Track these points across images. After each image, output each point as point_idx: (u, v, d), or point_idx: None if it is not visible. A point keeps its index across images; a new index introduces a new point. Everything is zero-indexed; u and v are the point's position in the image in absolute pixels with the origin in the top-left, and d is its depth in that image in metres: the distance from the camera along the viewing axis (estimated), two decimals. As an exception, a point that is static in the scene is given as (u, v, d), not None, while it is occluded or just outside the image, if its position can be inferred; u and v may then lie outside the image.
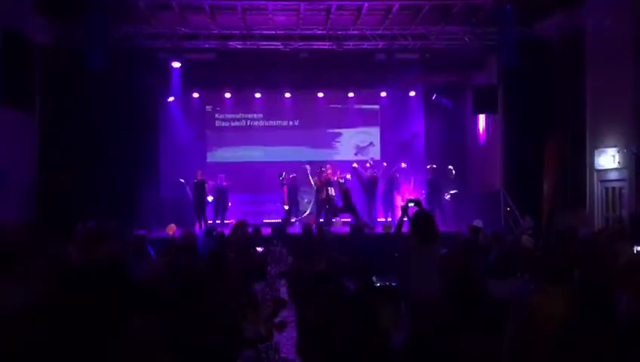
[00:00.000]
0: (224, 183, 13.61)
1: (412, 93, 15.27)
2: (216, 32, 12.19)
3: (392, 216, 13.82)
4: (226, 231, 9.34)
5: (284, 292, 5.61)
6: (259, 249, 7.34)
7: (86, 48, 10.45)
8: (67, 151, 10.94)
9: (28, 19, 10.03)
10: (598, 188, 10.67)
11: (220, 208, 13.58)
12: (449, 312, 3.75)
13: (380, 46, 12.59)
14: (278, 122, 15.92)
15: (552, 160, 11.72)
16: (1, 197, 9.37)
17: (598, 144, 10.62)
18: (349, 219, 13.06)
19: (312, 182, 13.30)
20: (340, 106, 15.91)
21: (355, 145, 16.16)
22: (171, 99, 14.06)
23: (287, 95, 15.46)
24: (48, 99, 10.77)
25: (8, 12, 9.44)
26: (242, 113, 15.87)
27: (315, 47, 12.54)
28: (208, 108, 15.78)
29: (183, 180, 13.44)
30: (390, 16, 11.74)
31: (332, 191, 12.98)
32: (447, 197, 13.62)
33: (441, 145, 15.10)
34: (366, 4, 11.17)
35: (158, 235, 11.42)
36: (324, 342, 3.57)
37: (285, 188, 13.37)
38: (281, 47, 12.45)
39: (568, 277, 4.26)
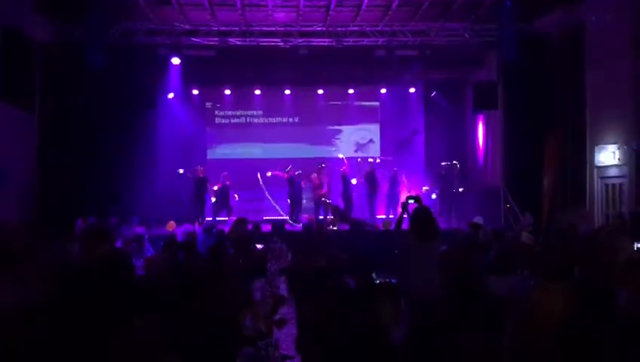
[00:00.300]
0: (227, 182, 13.60)
1: (412, 90, 15.24)
2: (215, 28, 12.17)
3: (394, 213, 13.83)
4: (226, 229, 9.34)
5: (283, 289, 5.61)
6: (258, 246, 7.34)
7: (86, 47, 10.43)
8: (67, 149, 10.94)
9: (28, 17, 10.02)
10: (598, 185, 10.67)
11: (224, 205, 13.55)
12: (449, 309, 3.75)
13: (379, 42, 12.56)
14: (278, 119, 15.89)
15: (552, 156, 11.72)
16: (1, 196, 9.37)
17: (598, 141, 10.61)
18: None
19: (311, 180, 13.32)
20: (339, 103, 15.88)
21: (355, 141, 16.13)
22: (171, 95, 14.04)
23: (287, 92, 15.43)
24: (48, 97, 10.76)
25: (8, 10, 9.42)
26: (242, 110, 15.84)
27: (314, 43, 12.51)
28: (208, 105, 15.75)
29: (181, 171, 13.40)
30: (390, 12, 11.71)
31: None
32: (461, 190, 13.60)
33: (441, 141, 15.08)
34: (366, 1, 11.15)
35: (158, 232, 11.42)
36: (324, 338, 3.57)
37: (287, 178, 13.34)
38: (280, 43, 12.43)
39: (568, 274, 4.26)
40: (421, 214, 5.44)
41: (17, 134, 10.26)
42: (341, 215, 12.74)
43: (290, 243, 7.09)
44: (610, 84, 10.18)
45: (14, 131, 10.15)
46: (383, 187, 14.00)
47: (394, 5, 11.36)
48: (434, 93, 14.81)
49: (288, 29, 12.28)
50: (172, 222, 12.32)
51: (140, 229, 9.84)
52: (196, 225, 12.27)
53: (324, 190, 13.24)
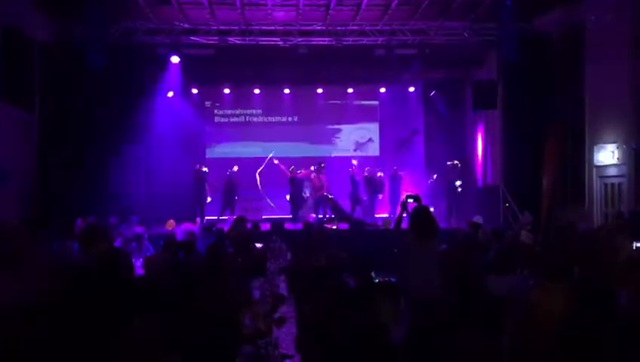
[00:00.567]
0: (234, 179, 13.63)
1: (411, 89, 15.25)
2: (215, 27, 12.16)
3: (394, 213, 13.86)
4: (225, 227, 9.33)
5: (283, 288, 5.61)
6: (258, 245, 7.34)
7: (85, 47, 10.42)
8: (66, 149, 10.93)
9: (28, 16, 10.00)
10: (597, 184, 10.67)
11: (230, 201, 13.56)
12: (448, 308, 3.75)
13: (379, 42, 12.56)
14: (277, 118, 15.90)
15: (552, 156, 11.73)
16: (0, 195, 9.36)
17: (598, 140, 10.62)
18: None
19: (311, 179, 13.34)
20: (339, 102, 15.88)
21: (355, 141, 16.14)
22: (170, 94, 14.03)
23: (287, 91, 15.43)
24: (48, 97, 10.75)
25: (8, 10, 9.41)
26: (241, 109, 15.85)
27: (314, 42, 12.51)
28: (207, 103, 15.75)
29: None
30: (389, 11, 11.71)
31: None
32: (459, 186, 13.60)
33: (440, 141, 15.09)
34: (365, 0, 11.14)
35: (158, 232, 11.41)
36: (324, 337, 3.57)
37: (289, 178, 13.36)
38: (280, 42, 12.42)
39: (568, 274, 4.26)
40: (420, 213, 5.44)
41: (17, 134, 10.25)
42: (341, 213, 12.75)
43: (290, 243, 7.09)
44: (609, 84, 10.19)
45: (14, 131, 10.15)
46: (384, 186, 14.04)
47: (393, 4, 11.36)
48: (433, 92, 14.81)
49: (288, 28, 12.27)
50: (171, 221, 12.32)
51: (139, 229, 9.82)
52: (197, 223, 12.27)
53: (324, 190, 13.25)
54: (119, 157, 12.25)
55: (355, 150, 16.00)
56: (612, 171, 10.32)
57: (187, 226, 9.44)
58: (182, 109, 14.83)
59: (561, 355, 3.28)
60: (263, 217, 13.54)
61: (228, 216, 13.21)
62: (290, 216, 13.27)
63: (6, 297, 3.84)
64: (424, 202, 5.81)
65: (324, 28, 12.28)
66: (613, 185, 10.35)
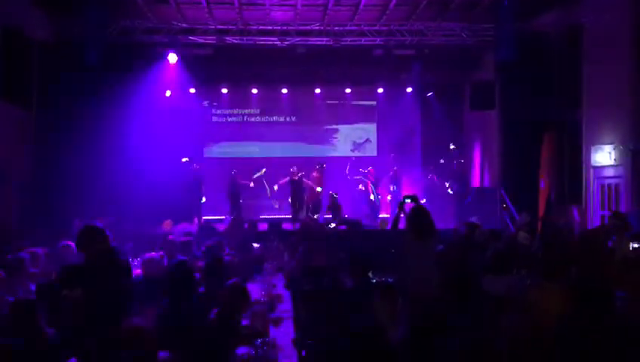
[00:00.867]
0: (239, 179, 13.66)
1: (409, 90, 15.26)
2: (213, 27, 12.15)
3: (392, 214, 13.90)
4: (223, 227, 9.34)
5: (280, 287, 5.61)
6: (255, 245, 7.34)
7: (84, 45, 10.41)
8: (63, 148, 10.90)
9: (27, 15, 9.98)
10: (594, 185, 10.69)
11: (237, 202, 13.58)
12: (446, 308, 3.75)
13: (377, 42, 12.56)
14: (275, 118, 15.88)
15: (549, 156, 11.75)
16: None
17: (595, 141, 10.64)
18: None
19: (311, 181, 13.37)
20: (336, 102, 15.88)
21: (352, 141, 16.15)
22: (168, 93, 14.01)
23: (284, 91, 15.41)
24: (46, 95, 10.73)
25: (7, 10, 9.39)
26: (239, 109, 15.83)
27: (312, 42, 12.51)
28: (205, 103, 15.73)
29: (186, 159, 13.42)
30: (387, 12, 11.71)
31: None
32: (448, 186, 13.63)
33: (437, 141, 15.09)
34: (363, 0, 11.15)
35: (155, 231, 11.39)
36: (321, 337, 3.57)
37: (289, 179, 13.37)
38: (278, 42, 12.42)
39: (565, 274, 4.27)
40: (418, 213, 5.44)
41: (15, 132, 10.23)
42: (339, 214, 12.75)
43: (288, 242, 7.09)
44: (606, 84, 10.20)
45: (12, 129, 10.12)
46: (384, 186, 14.08)
47: (391, 5, 11.36)
48: (430, 93, 14.82)
49: (286, 27, 12.27)
50: (169, 220, 12.30)
51: (136, 228, 9.81)
52: (194, 223, 12.25)
53: (322, 190, 13.29)
54: (115, 156, 12.22)
55: (352, 150, 16.01)
56: (609, 172, 10.34)
57: (184, 226, 9.45)
58: (180, 109, 14.80)
59: (559, 355, 3.28)
60: (261, 217, 13.52)
61: (235, 216, 13.24)
62: (290, 217, 13.28)
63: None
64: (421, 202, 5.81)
65: (322, 28, 12.29)
66: (610, 186, 10.36)
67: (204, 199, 13.51)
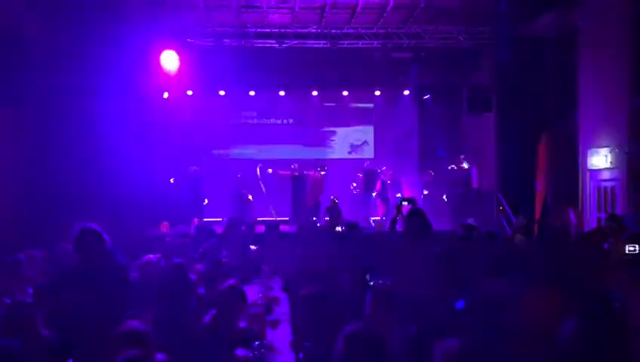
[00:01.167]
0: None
1: (406, 92, 15.30)
2: (210, 29, 12.17)
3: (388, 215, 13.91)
4: (220, 229, 9.32)
5: (277, 289, 5.62)
6: (252, 247, 7.34)
7: (81, 42, 10.40)
8: (60, 149, 10.88)
9: (18, 11, 9.93)
10: (590, 188, 10.73)
11: (243, 205, 13.61)
12: (442, 311, 3.76)
13: (374, 45, 12.60)
14: (273, 120, 15.90)
15: (545, 159, 11.78)
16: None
17: (591, 144, 10.68)
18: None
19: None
20: (334, 105, 15.91)
21: (350, 143, 16.18)
22: (165, 95, 14.01)
23: (282, 93, 15.44)
24: (42, 99, 10.70)
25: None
26: (236, 111, 15.84)
27: (309, 45, 12.53)
28: (202, 106, 15.72)
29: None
30: (385, 15, 11.75)
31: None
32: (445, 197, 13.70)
33: (435, 143, 15.13)
34: (360, 3, 11.18)
35: (152, 234, 11.38)
36: (319, 340, 3.57)
37: (291, 177, 13.41)
38: (275, 45, 12.44)
39: (562, 276, 4.28)
40: (415, 215, 5.46)
41: (9, 133, 10.19)
42: (338, 216, 12.78)
43: (285, 244, 7.10)
44: (602, 88, 10.24)
45: (5, 130, 10.08)
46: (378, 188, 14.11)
47: (389, 8, 11.40)
48: (427, 96, 14.87)
49: (283, 30, 12.29)
50: (166, 222, 12.29)
51: (134, 230, 9.80)
52: (192, 225, 12.24)
53: (323, 192, 13.34)
54: (113, 158, 12.20)
55: (350, 152, 16.05)
56: (605, 175, 10.37)
57: (182, 228, 9.44)
58: (176, 111, 14.80)
59: (557, 359, 3.30)
60: (258, 219, 13.54)
61: (233, 218, 13.24)
62: (288, 219, 13.30)
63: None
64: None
65: (319, 31, 12.32)
66: (606, 188, 10.40)
67: (206, 201, 13.51)
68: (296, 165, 13.55)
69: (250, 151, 15.69)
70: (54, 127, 11.04)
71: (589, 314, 3.57)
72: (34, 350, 3.39)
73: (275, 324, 4.27)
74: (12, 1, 9.68)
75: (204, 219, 13.15)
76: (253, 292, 4.87)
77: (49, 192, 10.58)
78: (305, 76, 14.42)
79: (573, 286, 4.20)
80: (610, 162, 10.14)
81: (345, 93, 15.62)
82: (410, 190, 14.09)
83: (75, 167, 11.15)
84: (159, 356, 3.18)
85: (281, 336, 4.11)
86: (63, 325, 3.83)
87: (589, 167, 10.69)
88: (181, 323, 3.93)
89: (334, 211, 12.90)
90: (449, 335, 3.25)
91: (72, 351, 3.50)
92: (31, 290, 4.82)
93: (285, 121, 15.91)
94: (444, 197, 13.64)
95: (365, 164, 14.48)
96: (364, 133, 16.19)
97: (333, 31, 12.35)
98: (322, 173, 13.61)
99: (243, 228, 9.01)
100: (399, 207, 5.75)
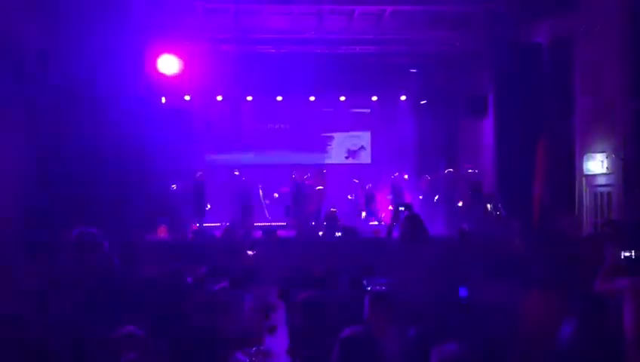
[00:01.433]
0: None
1: (403, 98, 15.35)
2: (208, 34, 12.19)
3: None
4: (218, 234, 9.33)
5: (274, 295, 5.62)
6: (250, 252, 7.35)
7: (77, 50, 10.41)
8: (58, 157, 10.87)
9: (18, 23, 9.95)
10: (587, 193, 10.76)
11: (249, 209, 13.62)
12: (439, 316, 3.78)
13: (371, 50, 12.64)
14: (270, 125, 15.94)
15: (542, 164, 11.81)
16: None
17: (587, 149, 10.72)
18: None
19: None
20: (331, 110, 15.95)
21: (347, 148, 16.23)
22: (163, 100, 14.03)
23: (279, 98, 15.47)
24: (40, 104, 10.69)
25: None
26: (234, 116, 15.87)
27: (307, 51, 12.57)
28: (200, 110, 15.75)
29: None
30: (382, 21, 11.80)
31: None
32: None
33: (432, 149, 15.18)
34: (358, 9, 11.22)
35: (150, 239, 11.38)
36: (315, 346, 3.58)
37: (291, 184, 13.45)
38: (273, 50, 12.48)
39: (558, 282, 4.30)
40: (412, 221, 5.47)
41: (7, 142, 10.18)
42: (335, 222, 12.79)
43: (282, 250, 7.11)
44: (599, 93, 10.29)
45: (4, 139, 10.08)
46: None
47: (386, 14, 11.44)
48: (424, 101, 14.92)
49: (281, 35, 12.32)
50: (163, 226, 12.29)
51: (132, 236, 9.79)
52: (190, 230, 12.26)
53: (325, 197, 13.36)
54: (109, 163, 12.19)
55: (347, 158, 16.09)
56: (602, 180, 10.41)
57: (179, 232, 9.46)
58: (174, 116, 14.81)
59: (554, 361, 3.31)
60: (255, 224, 13.54)
61: (230, 223, 13.26)
62: (285, 224, 13.33)
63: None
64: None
65: (317, 36, 12.35)
66: (602, 194, 10.43)
67: (208, 206, 13.53)
68: (295, 174, 13.55)
69: (248, 157, 15.71)
70: (51, 131, 11.05)
71: (586, 318, 3.60)
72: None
73: (272, 330, 4.28)
74: (11, 3, 9.71)
75: (205, 225, 13.16)
76: (250, 299, 4.87)
77: (47, 197, 10.57)
78: (302, 81, 14.45)
79: (570, 291, 4.22)
80: (607, 167, 10.18)
81: (342, 98, 15.66)
82: (407, 195, 14.12)
83: (74, 170, 11.15)
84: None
85: (278, 342, 4.11)
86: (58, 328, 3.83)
87: (585, 172, 10.73)
88: (178, 327, 3.93)
89: (333, 220, 12.94)
90: (446, 339, 3.27)
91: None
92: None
93: (282, 126, 15.94)
94: (460, 203, 13.60)
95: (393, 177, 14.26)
96: (362, 139, 16.23)
97: (331, 36, 12.39)
98: (323, 171, 13.63)
99: (241, 233, 9.02)
100: (396, 213, 5.76)
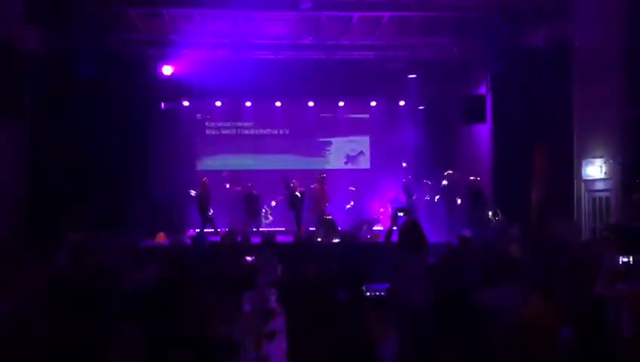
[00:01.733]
0: (254, 192, 13.71)
1: (402, 103, 15.38)
2: (206, 40, 12.23)
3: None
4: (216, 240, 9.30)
5: (273, 301, 5.61)
6: (248, 258, 7.33)
7: (76, 57, 10.44)
8: (57, 161, 10.88)
9: (18, 29, 9.99)
10: (585, 198, 10.77)
11: (253, 215, 13.64)
12: (437, 322, 3.77)
13: (369, 56, 12.68)
14: (269, 131, 15.97)
15: (540, 169, 11.82)
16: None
17: (585, 154, 10.73)
18: None
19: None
20: (330, 115, 15.99)
21: (346, 153, 16.25)
22: (162, 106, 14.06)
23: (278, 104, 15.50)
24: (38, 110, 10.72)
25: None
26: (232, 121, 15.90)
27: (305, 56, 12.61)
28: (198, 116, 15.78)
29: (193, 192, 13.50)
30: (380, 27, 11.84)
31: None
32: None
33: (430, 154, 15.19)
34: (356, 15, 11.26)
35: (148, 244, 11.37)
36: (314, 351, 3.58)
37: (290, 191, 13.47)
38: (271, 56, 12.51)
39: (556, 287, 4.31)
40: (410, 227, 5.48)
41: (7, 145, 10.20)
42: (334, 229, 12.79)
43: (281, 255, 7.09)
44: (596, 99, 10.31)
45: (3, 142, 10.09)
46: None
47: (384, 20, 11.48)
48: (422, 107, 14.96)
49: (279, 41, 12.36)
50: (162, 233, 12.29)
51: (130, 241, 9.78)
52: (186, 236, 12.24)
53: (327, 201, 13.35)
54: (109, 168, 12.21)
55: (346, 163, 16.12)
56: (600, 185, 10.42)
57: (177, 238, 9.45)
58: (173, 122, 14.84)
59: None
60: (254, 230, 13.54)
61: (254, 229, 13.30)
62: (284, 229, 13.34)
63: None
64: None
65: (315, 42, 12.39)
66: (600, 198, 10.44)
67: (211, 211, 13.54)
68: (295, 181, 13.54)
69: (247, 162, 15.72)
70: (51, 136, 11.06)
71: (584, 323, 3.60)
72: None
73: (271, 336, 4.27)
74: (12, 14, 9.75)
75: (205, 230, 13.16)
76: (248, 304, 4.86)
77: (47, 200, 10.57)
78: (301, 87, 14.50)
79: (568, 297, 4.22)
80: (605, 172, 10.19)
81: (341, 103, 15.71)
82: (418, 197, 14.12)
83: (73, 175, 11.16)
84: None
85: (277, 348, 4.10)
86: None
87: (584, 177, 10.74)
88: (173, 334, 3.92)
89: (331, 226, 12.93)
90: (444, 344, 3.27)
91: None
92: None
93: (281, 132, 15.97)
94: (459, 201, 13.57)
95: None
96: (360, 144, 16.26)
97: (329, 42, 12.43)
98: (322, 175, 13.62)
99: (239, 238, 9.00)
100: (395, 218, 5.76)
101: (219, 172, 15.15)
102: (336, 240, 12.03)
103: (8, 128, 10.05)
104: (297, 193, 13.43)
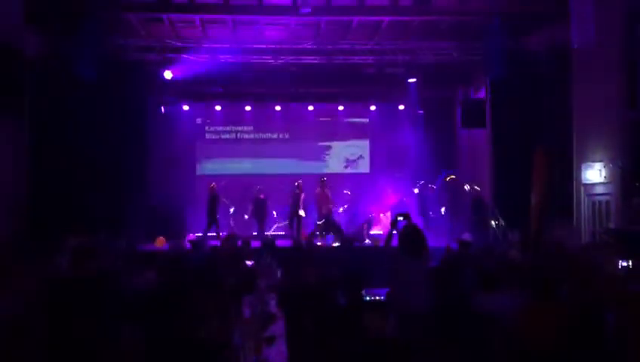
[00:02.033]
0: (261, 196, 13.73)
1: (401, 107, 15.41)
2: (206, 45, 12.25)
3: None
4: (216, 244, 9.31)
5: (273, 305, 5.60)
6: (248, 262, 7.33)
7: (76, 59, 10.45)
8: (57, 164, 10.89)
9: (18, 31, 10.00)
10: (585, 202, 10.77)
11: (260, 219, 13.65)
12: (437, 326, 3.78)
13: (369, 60, 12.70)
14: (268, 135, 15.99)
15: (540, 173, 11.82)
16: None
17: (585, 158, 10.74)
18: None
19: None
20: (329, 119, 16.02)
21: (345, 158, 16.27)
22: (162, 110, 14.08)
23: (278, 108, 15.53)
24: (38, 112, 10.73)
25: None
26: (232, 125, 15.93)
27: (305, 60, 12.63)
28: (198, 120, 15.80)
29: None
30: (379, 31, 11.86)
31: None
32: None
33: (430, 158, 15.21)
34: (355, 20, 11.28)
35: (148, 248, 11.36)
36: (315, 356, 3.57)
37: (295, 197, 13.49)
38: (271, 60, 12.53)
39: (556, 291, 4.31)
40: (410, 231, 5.48)
41: (6, 147, 10.20)
42: (339, 232, 12.78)
43: (281, 260, 7.09)
44: (596, 103, 10.33)
45: (3, 144, 10.09)
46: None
47: (384, 24, 11.51)
48: (421, 111, 14.99)
49: (279, 46, 12.38)
50: (161, 237, 12.28)
51: (129, 245, 9.78)
52: (186, 240, 12.24)
53: (332, 204, 13.36)
54: (109, 172, 12.21)
55: (345, 167, 16.12)
56: (599, 189, 10.42)
57: (177, 243, 9.44)
58: (173, 126, 14.86)
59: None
60: (254, 234, 13.54)
61: (258, 232, 13.30)
62: (283, 234, 13.34)
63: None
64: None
65: (314, 47, 12.41)
66: (600, 202, 10.44)
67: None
68: (300, 182, 13.54)
69: (246, 166, 15.74)
70: (51, 141, 11.07)
71: (583, 328, 3.59)
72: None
73: (270, 341, 4.26)
74: (12, 15, 9.76)
75: (208, 234, 13.18)
76: (248, 308, 4.86)
77: (47, 204, 10.57)
78: (300, 91, 14.52)
79: (568, 301, 4.22)
80: (605, 176, 10.20)
81: (340, 107, 15.73)
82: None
83: (73, 177, 11.16)
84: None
85: (276, 353, 4.10)
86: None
87: (584, 181, 10.74)
88: (171, 338, 3.92)
89: (335, 228, 12.94)
90: (443, 348, 3.27)
91: None
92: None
93: (281, 136, 15.99)
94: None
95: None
96: (360, 148, 16.28)
97: (329, 46, 12.45)
98: (323, 179, 13.63)
99: (239, 243, 9.00)
100: (394, 222, 5.76)
101: (219, 176, 15.17)
102: (336, 244, 12.05)
103: (8, 128, 10.05)
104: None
